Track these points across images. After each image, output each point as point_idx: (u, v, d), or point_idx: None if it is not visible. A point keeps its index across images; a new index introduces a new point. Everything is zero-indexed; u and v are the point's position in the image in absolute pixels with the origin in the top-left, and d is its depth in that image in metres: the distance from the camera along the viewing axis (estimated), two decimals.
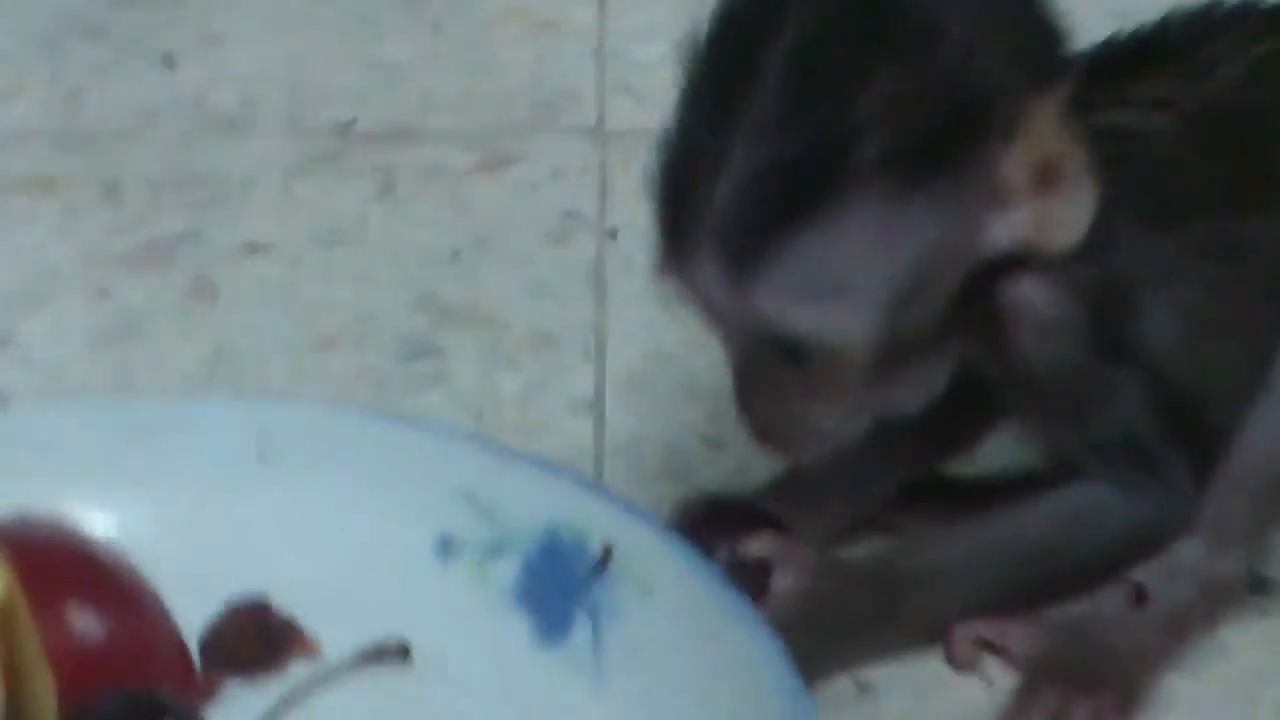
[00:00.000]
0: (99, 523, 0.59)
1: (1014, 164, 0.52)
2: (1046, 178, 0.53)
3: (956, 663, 0.59)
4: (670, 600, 0.56)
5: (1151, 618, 0.58)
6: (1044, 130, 0.52)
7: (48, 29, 0.96)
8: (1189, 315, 0.57)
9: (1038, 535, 0.59)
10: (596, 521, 0.58)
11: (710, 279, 0.53)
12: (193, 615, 0.58)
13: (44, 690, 0.53)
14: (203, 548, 0.60)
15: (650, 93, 0.86)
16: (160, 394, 0.70)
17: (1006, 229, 0.53)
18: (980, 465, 0.65)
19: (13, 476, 0.59)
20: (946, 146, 0.51)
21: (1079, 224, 0.53)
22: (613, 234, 0.81)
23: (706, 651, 0.54)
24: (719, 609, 0.54)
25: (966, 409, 0.58)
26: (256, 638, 0.58)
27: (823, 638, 0.58)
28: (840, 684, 0.59)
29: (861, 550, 0.61)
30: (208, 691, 0.57)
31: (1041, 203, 0.53)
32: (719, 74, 0.53)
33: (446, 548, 0.60)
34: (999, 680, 0.59)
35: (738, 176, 0.51)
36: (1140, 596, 0.58)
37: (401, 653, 0.58)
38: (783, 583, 0.60)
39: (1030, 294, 0.55)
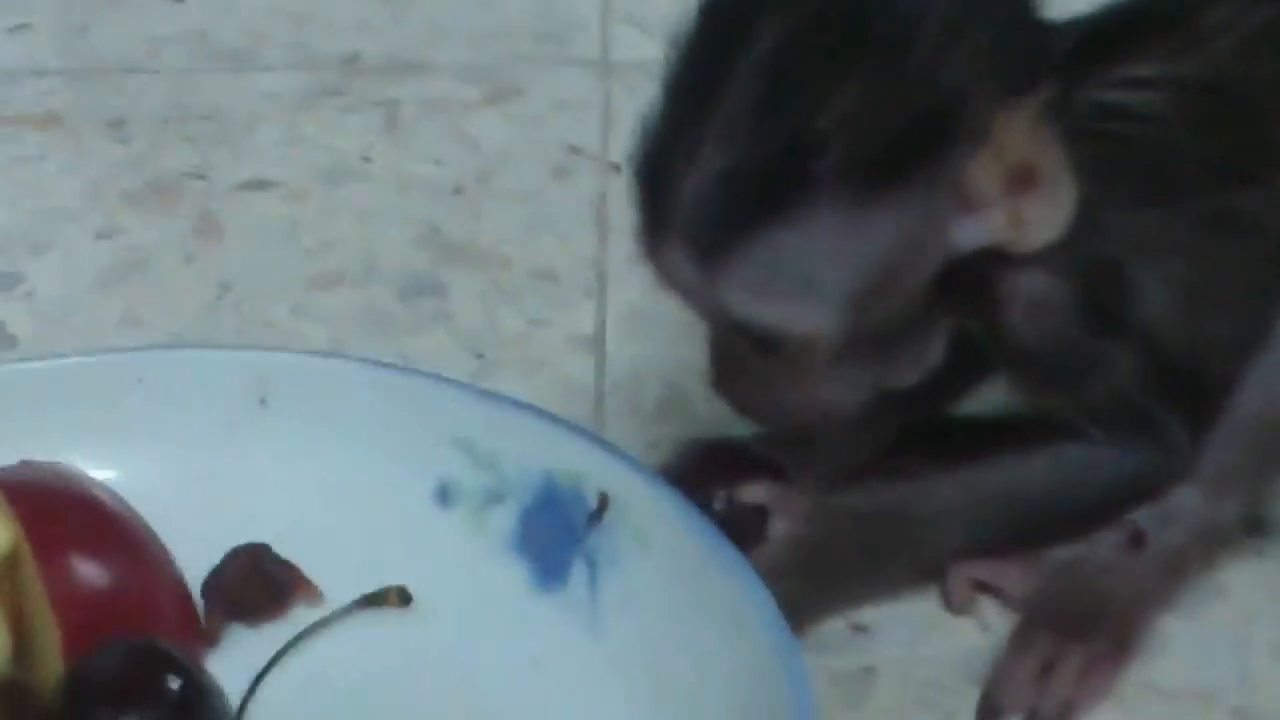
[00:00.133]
0: (101, 472, 0.60)
1: (984, 169, 0.53)
2: (1021, 180, 0.53)
3: (953, 605, 0.60)
4: (664, 548, 0.56)
5: (1148, 561, 0.58)
6: (1017, 135, 0.52)
7: None
8: (1184, 288, 0.57)
9: (1036, 480, 0.59)
10: (594, 470, 0.59)
11: (681, 270, 0.54)
12: (195, 562, 0.59)
13: (49, 639, 0.54)
14: (204, 496, 0.60)
15: (655, 25, 0.84)
16: (161, 343, 0.71)
17: (977, 231, 0.54)
18: (978, 407, 0.65)
19: (16, 426, 0.60)
20: (912, 152, 0.52)
21: (1056, 224, 0.53)
22: (616, 168, 0.80)
23: (698, 599, 0.55)
24: (711, 557, 0.55)
25: (963, 360, 0.59)
26: (259, 584, 0.59)
27: (819, 581, 0.59)
28: (835, 626, 0.59)
29: (858, 494, 0.61)
30: (210, 638, 0.58)
31: (1016, 204, 0.53)
32: (696, 70, 0.53)
33: (446, 495, 0.61)
34: (994, 622, 0.59)
35: (708, 174, 0.52)
36: (1137, 540, 0.59)
37: (401, 598, 0.58)
38: (779, 528, 0.60)
39: (1020, 281, 0.56)
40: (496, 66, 0.89)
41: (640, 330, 0.73)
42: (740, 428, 0.63)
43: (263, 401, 0.62)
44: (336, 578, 0.59)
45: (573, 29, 0.92)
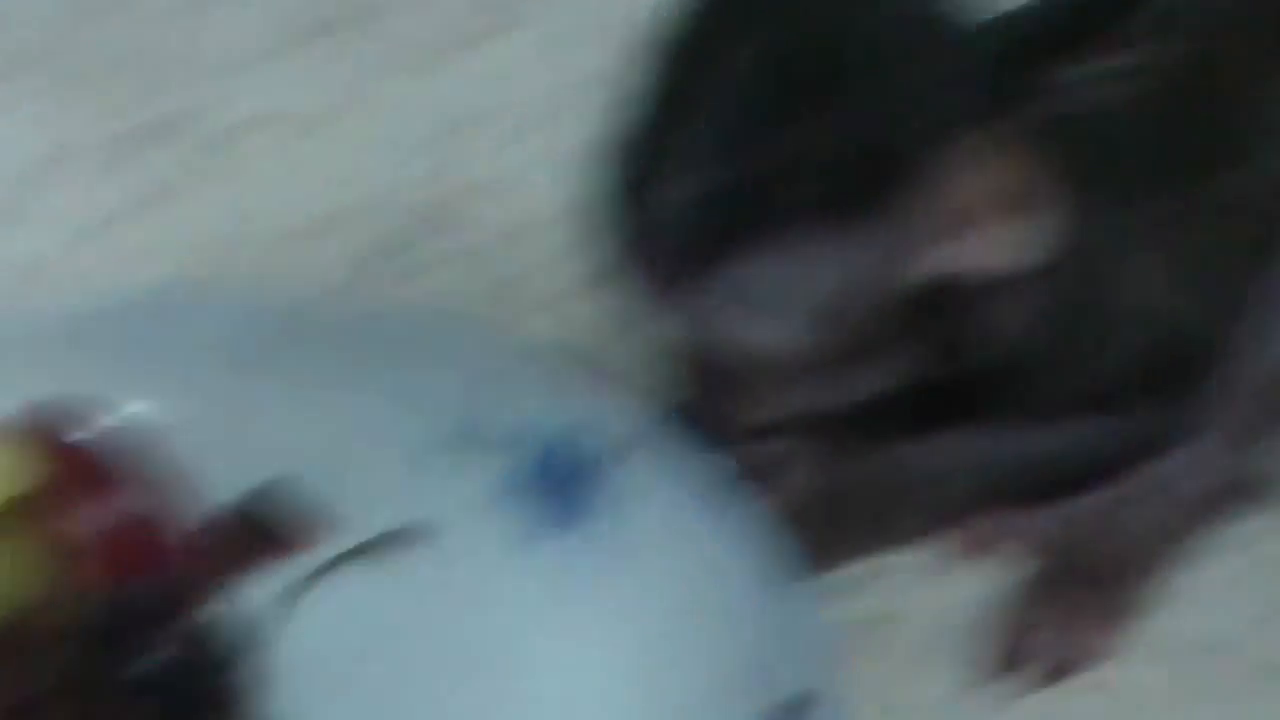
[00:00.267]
0: (118, 409, 0.60)
1: (957, 194, 0.52)
2: (998, 205, 0.52)
3: (968, 553, 0.59)
4: (677, 492, 0.57)
5: (1168, 512, 0.58)
6: (991, 161, 0.52)
7: None
8: (1169, 279, 0.56)
9: (1051, 434, 0.58)
10: (607, 412, 0.59)
11: (652, 289, 0.54)
12: (211, 503, 0.59)
13: (81, 574, 0.54)
14: (219, 435, 0.60)
15: None
16: (176, 284, 0.70)
17: (953, 258, 0.53)
18: None
19: (35, 366, 0.60)
20: (886, 180, 0.52)
21: (1037, 247, 0.53)
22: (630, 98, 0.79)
23: (710, 544, 0.55)
24: (724, 503, 0.56)
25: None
26: (273, 523, 0.59)
27: (835, 529, 0.59)
28: (849, 573, 0.59)
29: (873, 449, 0.61)
30: (226, 577, 0.58)
31: (994, 230, 0.52)
32: (671, 94, 0.53)
33: (462, 437, 0.60)
34: (1011, 571, 0.59)
35: (683, 197, 0.52)
36: (1158, 490, 0.58)
37: (416, 538, 0.58)
38: (795, 476, 0.59)
39: (998, 294, 0.55)
40: None
41: None
42: None
43: (280, 343, 0.61)
44: (351, 517, 0.59)
45: None
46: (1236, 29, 0.58)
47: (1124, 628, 0.57)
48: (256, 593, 0.57)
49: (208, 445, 0.59)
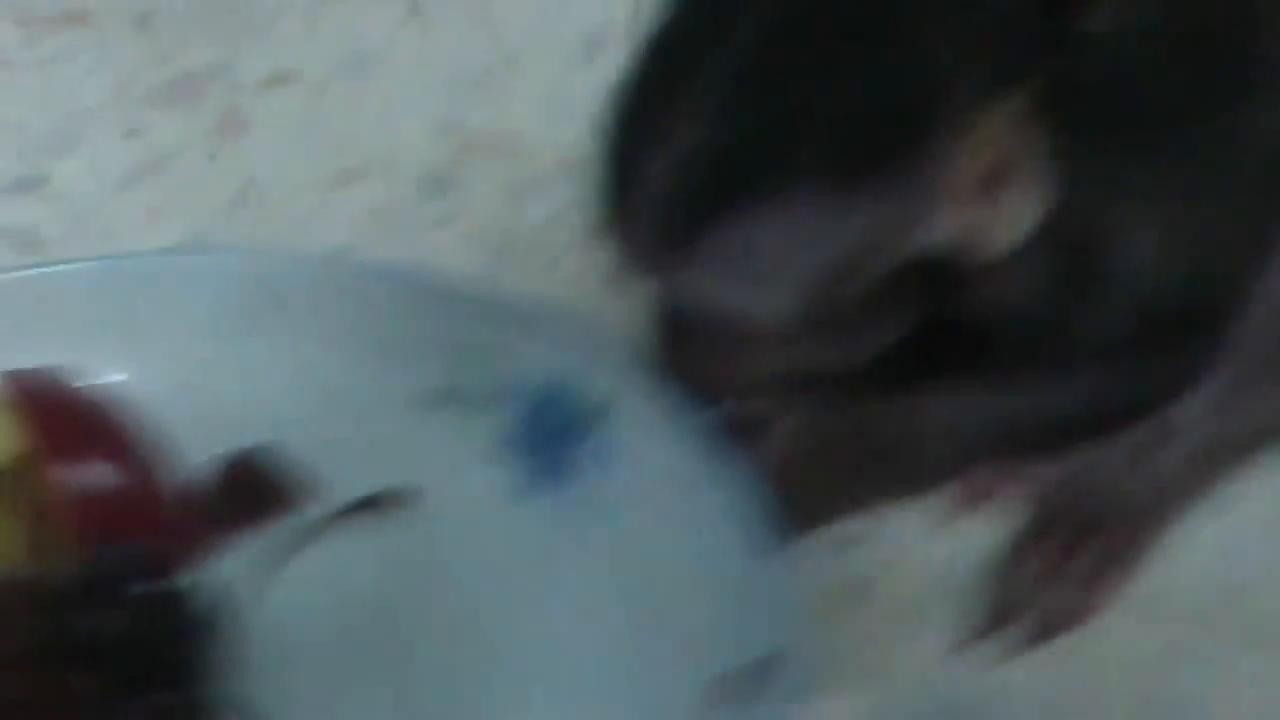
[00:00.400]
0: (106, 376, 0.61)
1: (956, 167, 0.51)
2: (995, 178, 0.51)
3: (968, 505, 0.59)
4: (662, 451, 0.57)
5: (1170, 462, 0.58)
6: (992, 134, 0.51)
7: None
8: (1169, 233, 0.55)
9: (1049, 388, 0.58)
10: (593, 371, 0.59)
11: (646, 249, 0.53)
12: (195, 465, 0.60)
13: (60, 539, 0.55)
14: (205, 399, 0.61)
15: None
16: (178, 243, 0.71)
17: (945, 230, 0.52)
18: None
19: (24, 330, 0.61)
20: (890, 144, 0.50)
21: (1025, 223, 0.52)
22: None
23: (693, 501, 0.56)
24: (708, 460, 0.56)
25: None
26: (259, 487, 0.60)
27: (830, 485, 0.58)
28: (839, 531, 0.59)
29: (864, 404, 0.61)
30: (210, 542, 0.59)
31: (988, 202, 0.52)
32: (674, 50, 0.52)
33: (448, 395, 0.61)
34: (1005, 526, 0.59)
35: (680, 156, 0.51)
36: (1160, 441, 0.58)
37: (402, 499, 0.59)
38: (784, 433, 0.59)
39: (995, 278, 0.54)
40: None
41: None
42: None
43: (265, 304, 0.62)
44: (336, 480, 0.60)
45: None
46: None
47: (1117, 584, 0.56)
48: (237, 559, 0.58)
49: (190, 409, 0.60)
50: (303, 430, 0.61)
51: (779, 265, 0.52)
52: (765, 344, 0.55)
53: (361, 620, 0.57)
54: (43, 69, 0.83)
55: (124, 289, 0.63)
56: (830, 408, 0.59)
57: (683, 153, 0.51)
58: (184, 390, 0.61)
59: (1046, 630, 0.55)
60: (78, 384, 0.60)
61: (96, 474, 0.58)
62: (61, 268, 0.64)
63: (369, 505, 0.59)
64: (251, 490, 0.60)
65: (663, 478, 0.57)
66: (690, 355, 0.57)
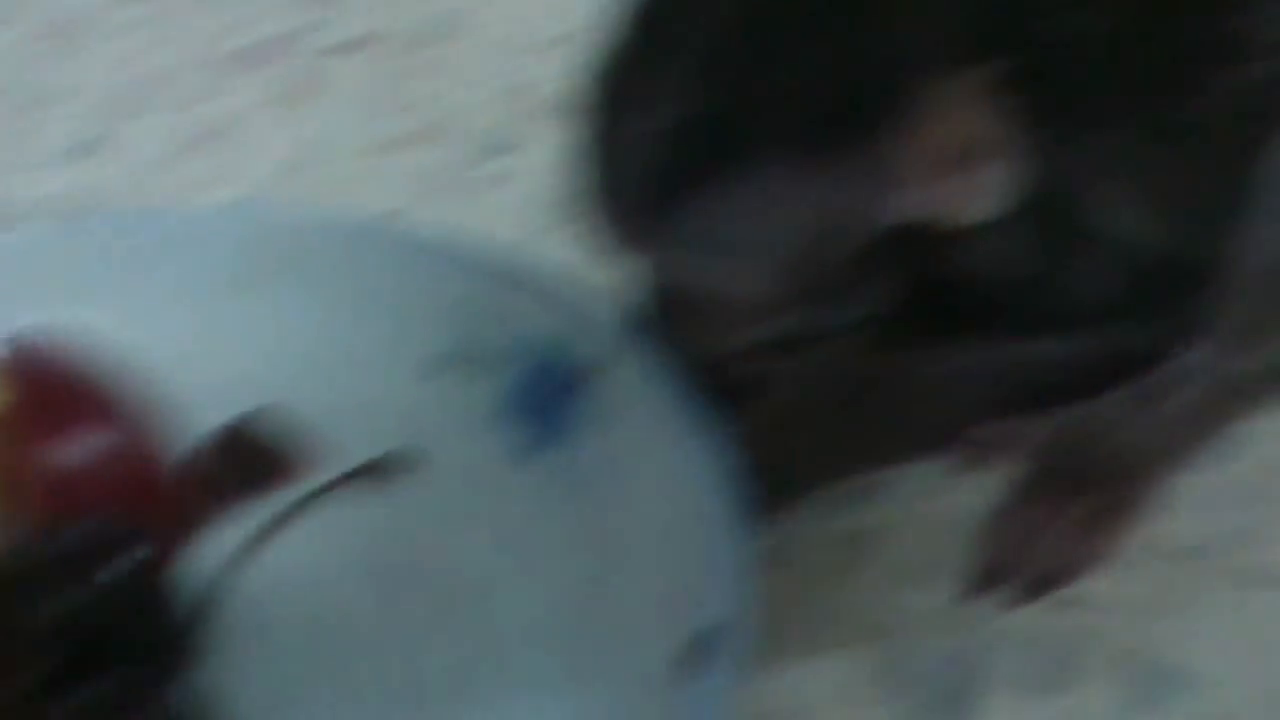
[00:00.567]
0: (102, 339, 0.59)
1: (924, 141, 0.50)
2: (963, 153, 0.51)
3: (966, 464, 0.57)
4: (651, 417, 0.55)
5: (1160, 417, 0.56)
6: (960, 109, 0.50)
7: None
8: (1150, 201, 0.54)
9: (1047, 344, 0.56)
10: (586, 337, 0.57)
11: (619, 229, 0.53)
12: (194, 432, 0.58)
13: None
14: (204, 364, 0.60)
15: None
16: (164, 209, 0.70)
17: (916, 202, 0.51)
18: None
19: (24, 292, 0.60)
20: (853, 121, 0.50)
21: (998, 197, 0.51)
22: None
23: (671, 466, 0.53)
24: (694, 427, 0.54)
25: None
26: (259, 454, 0.58)
27: (823, 448, 0.57)
28: (842, 486, 0.57)
29: (862, 361, 0.59)
30: (205, 511, 0.57)
31: (959, 177, 0.51)
32: (645, 30, 0.52)
33: (443, 361, 0.59)
34: (1001, 483, 0.57)
35: (649, 134, 0.51)
36: (1150, 396, 0.56)
37: (399, 465, 0.57)
38: (774, 394, 0.57)
39: (972, 252, 0.53)
40: None
41: None
42: None
43: (259, 269, 0.61)
44: (334, 446, 0.58)
45: None
46: None
47: (1111, 538, 0.54)
48: (236, 525, 0.56)
49: (189, 374, 0.59)
50: (302, 396, 0.59)
51: (752, 240, 0.52)
52: (754, 311, 0.54)
53: (357, 584, 0.55)
54: (119, 35, 0.84)
55: (122, 250, 0.62)
56: (825, 371, 0.57)
57: (653, 131, 0.51)
58: (181, 355, 0.59)
59: (1041, 585, 0.53)
60: (74, 348, 0.58)
61: (86, 445, 0.57)
62: (60, 227, 0.64)
63: (369, 471, 0.57)
64: (251, 458, 0.58)
65: (649, 444, 0.55)
66: (682, 321, 0.56)
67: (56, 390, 0.57)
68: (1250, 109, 0.53)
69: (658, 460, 0.54)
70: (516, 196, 0.72)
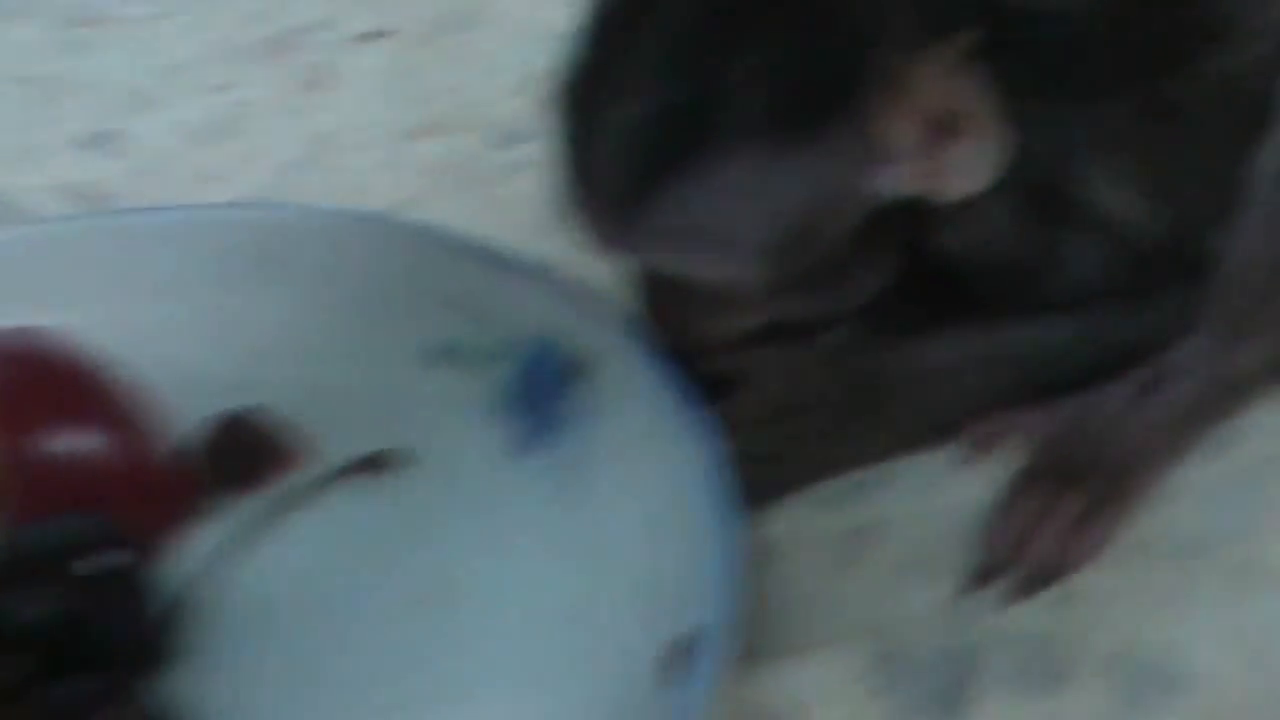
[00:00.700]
0: (94, 331, 0.58)
1: (900, 118, 0.50)
2: (942, 129, 0.50)
3: (965, 457, 0.56)
4: (642, 411, 0.54)
5: (1157, 411, 0.55)
6: (935, 84, 0.50)
7: None
8: (1136, 179, 0.53)
9: (1045, 335, 0.56)
10: (582, 330, 0.56)
11: (598, 224, 0.53)
12: (186, 425, 0.57)
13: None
14: (197, 357, 0.59)
15: None
16: (160, 205, 0.69)
17: (897, 180, 0.51)
18: None
19: (20, 286, 0.60)
20: (825, 101, 0.50)
21: (985, 172, 0.51)
22: None
23: (662, 462, 0.52)
24: (682, 422, 0.53)
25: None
26: (249, 448, 0.57)
27: (811, 440, 0.56)
28: (839, 480, 0.56)
29: (856, 351, 0.57)
30: (199, 503, 0.56)
31: (938, 154, 0.50)
32: (613, 19, 0.52)
33: (440, 354, 0.59)
34: (998, 477, 0.55)
35: (620, 125, 0.51)
36: (1148, 390, 0.55)
37: (394, 460, 0.56)
38: (761, 387, 0.56)
39: (955, 214, 0.52)
40: None
41: None
42: None
43: (260, 260, 0.60)
44: (328, 439, 0.57)
45: None
46: None
47: (1101, 530, 0.53)
48: (228, 520, 0.55)
49: (183, 368, 0.58)
50: (296, 388, 0.58)
51: (728, 227, 0.51)
52: (741, 300, 0.54)
53: (346, 580, 0.54)
54: (142, 26, 0.83)
55: (114, 246, 0.61)
56: (815, 362, 0.56)
57: (626, 122, 0.51)
58: (175, 349, 0.59)
59: (1034, 581, 0.52)
60: (61, 341, 0.57)
61: (72, 438, 0.55)
62: (51, 226, 0.63)
63: (364, 465, 0.57)
64: (245, 452, 0.57)
65: (643, 439, 0.54)
66: (667, 312, 0.55)
67: (43, 383, 0.56)
68: (1237, 93, 0.53)
69: (651, 456, 0.53)
70: (535, 185, 0.71)
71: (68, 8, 0.85)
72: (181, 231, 0.61)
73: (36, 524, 0.52)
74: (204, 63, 0.80)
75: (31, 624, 0.49)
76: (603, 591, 0.52)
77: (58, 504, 0.53)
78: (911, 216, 0.52)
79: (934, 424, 0.56)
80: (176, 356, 0.58)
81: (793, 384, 0.56)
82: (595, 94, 0.51)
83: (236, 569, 0.54)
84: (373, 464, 0.57)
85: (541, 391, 0.57)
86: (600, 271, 0.59)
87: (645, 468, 0.53)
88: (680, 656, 0.47)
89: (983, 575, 0.52)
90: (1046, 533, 0.53)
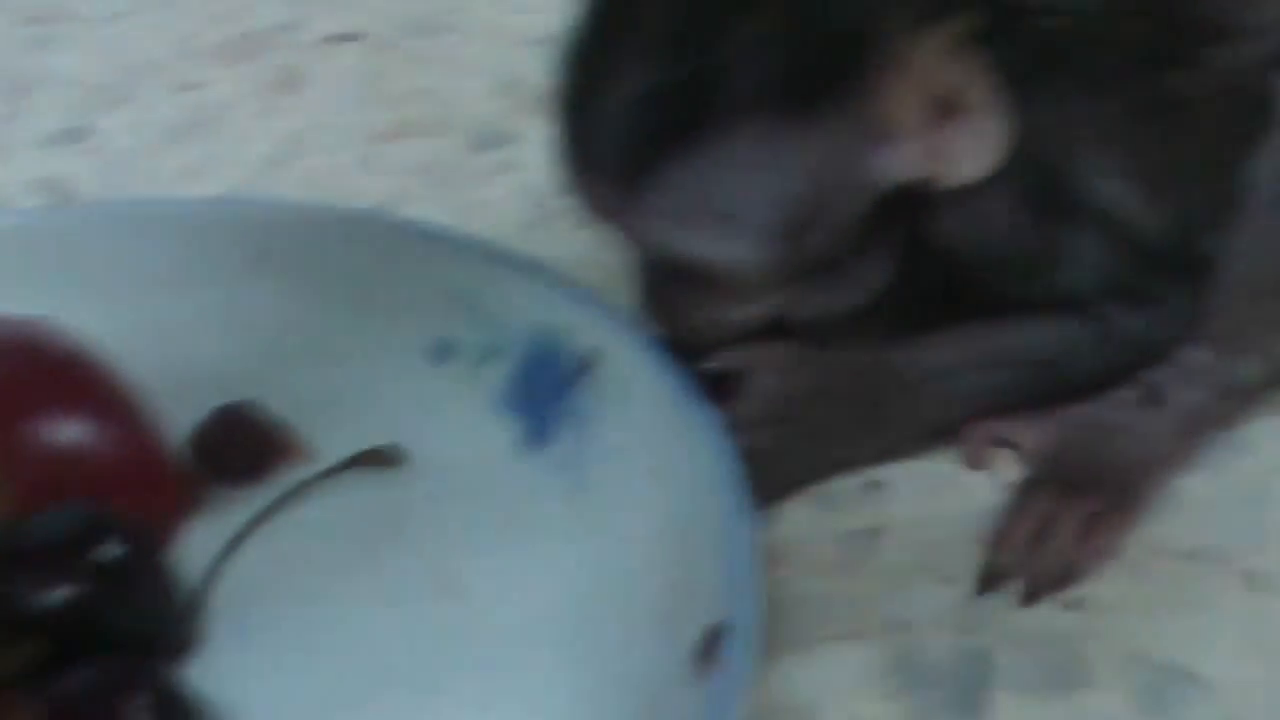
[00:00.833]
0: (91, 327, 0.57)
1: (900, 98, 0.50)
2: (944, 111, 0.50)
3: (970, 461, 0.56)
4: (647, 407, 0.54)
5: (1161, 419, 0.55)
6: (935, 64, 0.50)
7: None
8: (1136, 173, 0.54)
9: (1048, 339, 0.56)
10: (583, 327, 0.56)
11: (600, 200, 0.53)
12: (184, 420, 0.57)
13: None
14: (195, 352, 0.58)
15: None
16: (157, 198, 0.69)
17: (898, 162, 0.51)
18: None
19: (7, 279, 0.58)
20: (824, 80, 0.50)
21: (986, 156, 0.51)
22: None
23: (672, 459, 0.52)
24: (689, 417, 0.52)
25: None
26: (248, 442, 0.57)
27: (818, 438, 0.55)
28: (850, 481, 0.56)
29: (858, 351, 0.57)
30: (197, 498, 0.56)
31: (939, 136, 0.51)
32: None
33: (440, 351, 0.58)
34: (1002, 482, 0.56)
35: (623, 102, 0.50)
36: (1152, 398, 0.55)
37: (394, 456, 0.56)
38: (762, 385, 0.56)
39: (957, 200, 0.52)
40: None
41: None
42: None
43: (258, 256, 0.59)
44: (328, 435, 0.57)
45: None
46: None
47: (1107, 538, 0.53)
48: (223, 518, 0.55)
49: (180, 364, 0.57)
50: (300, 384, 0.58)
51: (730, 202, 0.51)
52: (747, 290, 0.54)
53: (353, 576, 0.53)
54: (108, 24, 0.82)
55: (105, 240, 0.60)
56: (824, 357, 0.56)
57: (626, 97, 0.50)
58: (173, 345, 0.58)
59: (1045, 586, 0.52)
60: (62, 334, 0.56)
61: (76, 428, 0.54)
62: (41, 218, 0.63)
63: (367, 461, 0.56)
64: (244, 446, 0.57)
65: (652, 435, 0.53)
66: (674, 304, 0.55)
67: (45, 373, 0.56)
68: (1237, 90, 0.53)
69: (661, 452, 0.53)
70: (513, 189, 0.71)
71: (30, 3, 0.84)
72: (178, 224, 0.60)
73: (45, 512, 0.51)
74: (171, 62, 0.79)
75: (43, 611, 0.49)
76: (622, 587, 0.52)
77: (57, 494, 0.52)
78: (913, 208, 0.52)
79: (934, 424, 0.56)
80: (173, 350, 0.58)
81: (793, 383, 0.55)
82: (598, 69, 0.51)
83: (237, 563, 0.53)
84: (376, 460, 0.56)
85: (545, 387, 0.56)
86: (589, 271, 0.59)
87: (656, 463, 0.53)
88: (711, 649, 0.47)
89: (991, 581, 0.52)
90: (1053, 540, 0.53)
